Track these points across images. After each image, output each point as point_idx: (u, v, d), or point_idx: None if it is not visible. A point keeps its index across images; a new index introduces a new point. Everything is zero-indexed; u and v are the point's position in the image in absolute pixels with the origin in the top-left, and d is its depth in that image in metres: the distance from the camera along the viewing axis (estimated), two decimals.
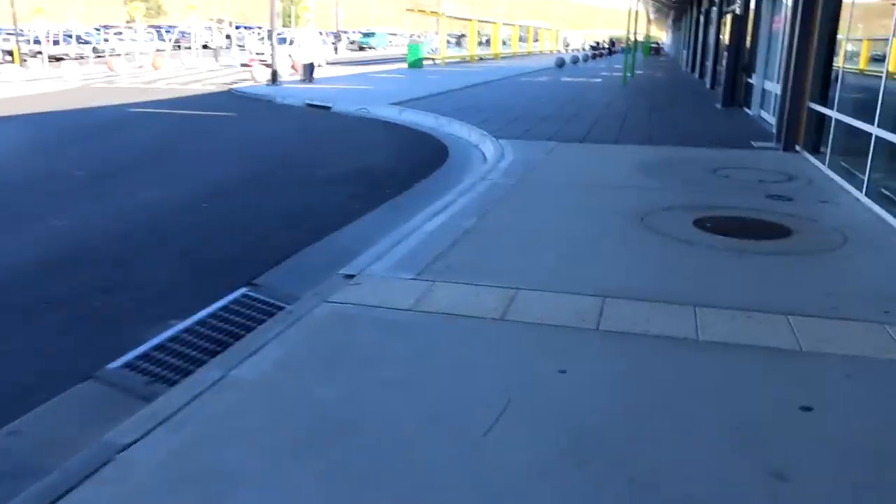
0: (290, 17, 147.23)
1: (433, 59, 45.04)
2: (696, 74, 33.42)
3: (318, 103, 19.62)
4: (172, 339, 4.51)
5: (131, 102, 19.99)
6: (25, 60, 39.85)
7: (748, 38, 17.97)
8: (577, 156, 10.49)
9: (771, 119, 14.88)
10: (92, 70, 33.96)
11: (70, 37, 58.54)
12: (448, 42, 51.96)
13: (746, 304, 4.62)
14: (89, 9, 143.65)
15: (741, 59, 18.02)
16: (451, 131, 14.18)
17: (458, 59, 47.90)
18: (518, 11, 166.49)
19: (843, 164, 8.92)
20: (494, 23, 58.63)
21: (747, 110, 17.20)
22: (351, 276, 5.05)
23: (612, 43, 76.77)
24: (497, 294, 4.72)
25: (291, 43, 36.52)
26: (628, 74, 28.16)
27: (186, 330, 4.61)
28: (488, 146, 11.45)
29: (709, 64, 28.07)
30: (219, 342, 4.44)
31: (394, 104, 17.93)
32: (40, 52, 47.98)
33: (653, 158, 10.15)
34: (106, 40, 63.29)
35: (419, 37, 67.02)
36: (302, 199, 8.32)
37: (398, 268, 5.25)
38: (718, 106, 18.40)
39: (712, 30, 26.20)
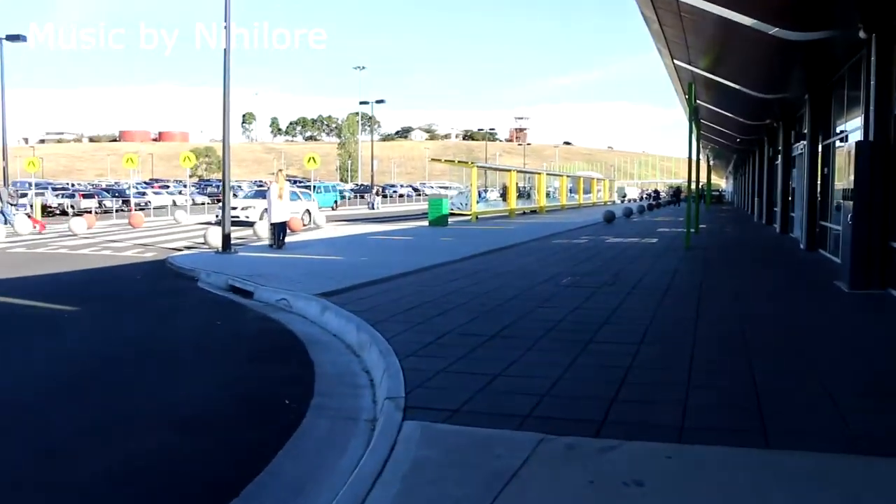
0: (346, 170, 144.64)
1: (465, 215, 39.33)
2: (778, 228, 26.62)
3: (242, 285, 13.48)
4: None
5: None
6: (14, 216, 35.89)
7: (883, 178, 11.24)
8: None
9: None
10: (59, 228, 28.78)
11: (107, 191, 55.64)
12: (481, 195, 46.44)
13: None
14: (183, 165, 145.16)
15: (876, 214, 11.26)
16: (367, 363, 7.63)
17: (495, 214, 42.01)
18: (576, 164, 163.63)
19: None
20: (538, 173, 53.18)
21: None
22: None
23: (678, 191, 71.28)
24: None
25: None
26: (692, 230, 21.55)
27: None
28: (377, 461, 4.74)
29: (799, 215, 21.35)
30: None
31: (329, 293, 11.56)
32: (73, 207, 44.38)
33: None
34: (143, 194, 60.64)
35: (451, 189, 61.69)
36: None
37: None
38: (843, 287, 11.52)
39: (804, 171, 19.59)
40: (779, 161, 26.41)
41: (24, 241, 24.31)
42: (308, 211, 31.80)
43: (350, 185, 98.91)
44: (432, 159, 45.10)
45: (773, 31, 11.85)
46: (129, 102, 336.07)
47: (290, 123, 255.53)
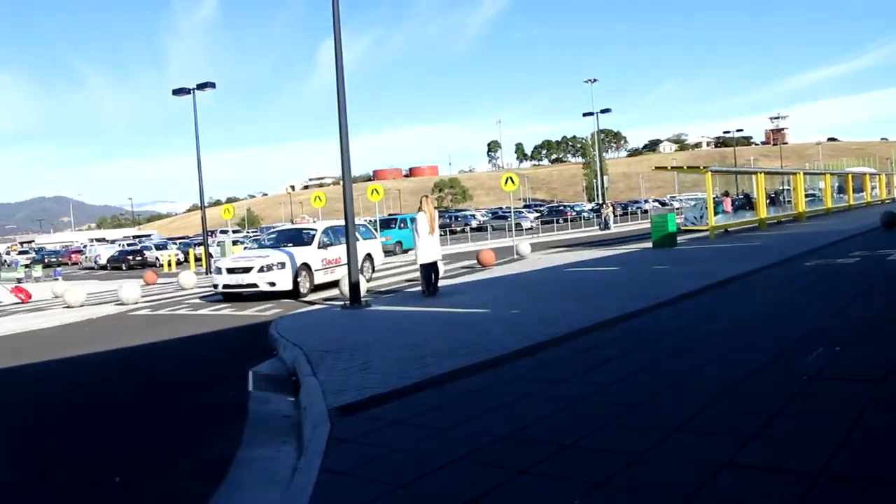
0: (592, 189, 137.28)
1: (701, 231, 32.95)
2: None
3: (299, 373, 9.21)
4: None
5: None
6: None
7: None
8: None
9: None
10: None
11: None
12: (728, 203, 39.26)
13: None
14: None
15: None
16: None
17: (739, 227, 34.93)
18: (843, 161, 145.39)
19: None
20: (794, 173, 44.70)
21: None
22: None
23: None
24: None
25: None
26: None
27: None
28: None
29: None
30: None
31: (363, 403, 6.95)
32: None
33: None
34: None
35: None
36: None
37: None
38: None
39: None
40: None
41: (162, 300, 22.15)
42: (369, 255, 23.77)
43: (590, 205, 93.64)
44: (656, 167, 38.54)
45: None
46: (385, 145, 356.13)
47: (535, 147, 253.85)
